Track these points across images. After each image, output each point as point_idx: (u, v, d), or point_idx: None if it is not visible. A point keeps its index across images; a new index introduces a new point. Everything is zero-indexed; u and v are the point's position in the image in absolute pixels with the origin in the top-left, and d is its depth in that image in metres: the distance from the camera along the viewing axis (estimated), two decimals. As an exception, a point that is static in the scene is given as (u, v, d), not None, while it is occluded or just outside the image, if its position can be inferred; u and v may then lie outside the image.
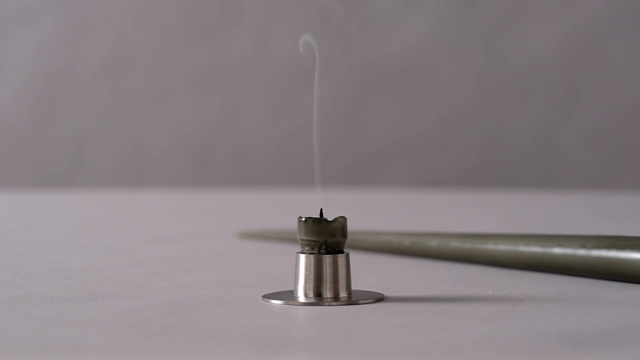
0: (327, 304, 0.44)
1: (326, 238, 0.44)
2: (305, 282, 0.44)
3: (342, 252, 0.45)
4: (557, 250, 0.51)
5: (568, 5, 1.92)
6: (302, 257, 0.45)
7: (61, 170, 2.05)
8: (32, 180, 2.04)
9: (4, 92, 2.07)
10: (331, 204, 1.43)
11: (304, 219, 0.45)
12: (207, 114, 2.02)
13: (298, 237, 0.45)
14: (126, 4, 2.04)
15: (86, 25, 2.06)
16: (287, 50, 2.00)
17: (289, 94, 2.00)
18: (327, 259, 0.44)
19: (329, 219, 0.45)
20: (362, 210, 1.23)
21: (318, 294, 0.44)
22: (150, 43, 2.04)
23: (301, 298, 0.44)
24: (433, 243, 0.60)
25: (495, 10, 1.94)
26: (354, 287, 0.47)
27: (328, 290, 0.44)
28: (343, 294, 0.45)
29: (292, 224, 0.94)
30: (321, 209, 0.46)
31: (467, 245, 0.57)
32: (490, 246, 0.55)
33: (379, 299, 0.45)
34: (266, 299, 0.45)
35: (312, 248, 0.44)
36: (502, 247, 0.55)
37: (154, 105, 2.04)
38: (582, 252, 0.50)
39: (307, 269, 0.44)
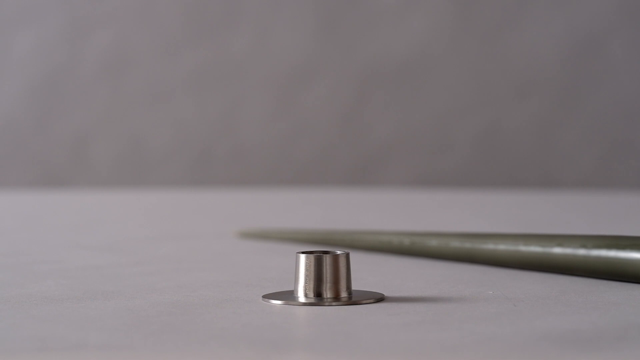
0: (327, 304, 0.44)
1: None
2: (306, 282, 0.44)
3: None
4: (557, 250, 0.51)
5: (568, 5, 1.92)
6: (302, 257, 0.45)
7: (61, 169, 2.05)
8: (31, 179, 2.04)
9: (4, 92, 2.07)
10: (331, 204, 1.43)
11: None
12: (207, 113, 2.02)
13: None
14: (126, 4, 2.04)
15: (86, 25, 2.06)
16: (287, 49, 2.01)
17: (289, 94, 2.00)
18: (327, 259, 0.44)
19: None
20: (362, 210, 1.23)
21: (318, 294, 0.44)
22: (150, 43, 2.04)
23: (301, 298, 0.44)
24: (433, 243, 0.60)
25: (495, 10, 1.94)
26: (354, 287, 0.47)
27: (328, 290, 0.44)
28: (343, 294, 0.45)
29: (292, 224, 0.94)
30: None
31: (467, 245, 0.57)
32: (490, 246, 0.55)
33: (379, 299, 0.45)
34: (266, 299, 0.45)
35: None
36: (502, 247, 0.55)
37: (153, 105, 2.04)
38: (582, 252, 0.50)
39: (307, 269, 0.44)
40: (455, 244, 0.58)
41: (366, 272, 0.55)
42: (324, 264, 0.44)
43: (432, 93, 1.96)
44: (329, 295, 0.44)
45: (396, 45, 1.97)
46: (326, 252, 0.45)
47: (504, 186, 1.88)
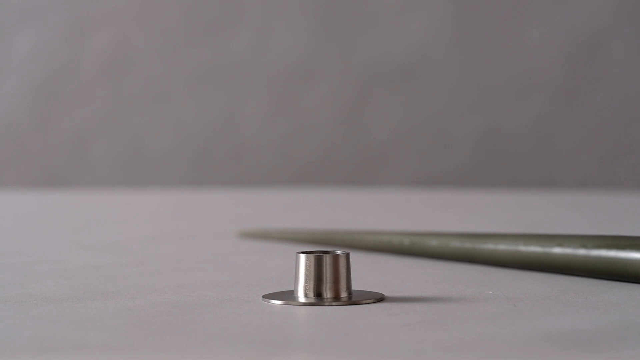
0: (327, 304, 0.44)
1: None
2: (306, 282, 0.44)
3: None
4: (557, 250, 0.51)
5: (568, 5, 1.92)
6: (302, 257, 0.45)
7: (61, 169, 2.05)
8: (31, 179, 2.04)
9: (4, 92, 2.07)
10: (331, 204, 1.43)
11: None
12: (207, 113, 2.02)
13: None
14: (126, 4, 2.04)
15: (86, 25, 2.06)
16: (287, 49, 2.01)
17: (289, 94, 2.00)
18: (327, 259, 0.44)
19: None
20: (362, 210, 1.23)
21: (318, 294, 0.44)
22: (150, 43, 2.04)
23: (301, 298, 0.44)
24: (433, 243, 0.60)
25: (495, 10, 1.94)
26: (354, 287, 0.47)
27: (328, 290, 0.44)
28: (343, 294, 0.45)
29: (292, 224, 0.94)
30: None
31: (467, 245, 0.57)
32: (490, 246, 0.55)
33: (379, 299, 0.45)
34: (266, 299, 0.45)
35: None
36: (502, 247, 0.55)
37: (153, 105, 2.04)
38: (582, 252, 0.50)
39: (307, 269, 0.44)
40: (455, 244, 0.58)
41: (366, 272, 0.55)
42: (324, 264, 0.44)
43: (432, 93, 1.96)
44: (329, 295, 0.44)
45: (396, 45, 1.97)
46: (326, 252, 0.45)
47: (504, 186, 1.88)
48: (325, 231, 0.70)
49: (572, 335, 0.36)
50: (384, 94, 1.97)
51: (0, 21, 2.07)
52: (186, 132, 2.03)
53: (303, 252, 0.45)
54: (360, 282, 0.51)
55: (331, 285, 0.44)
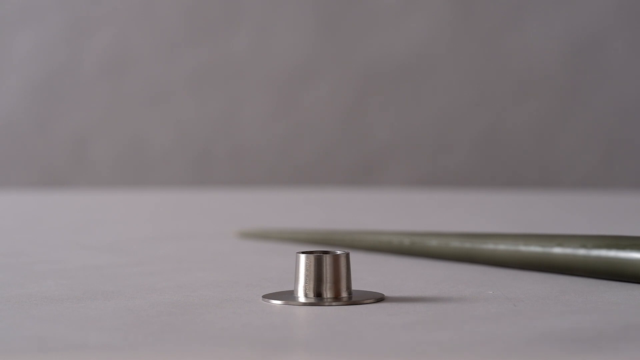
0: (327, 304, 0.44)
1: None
2: (306, 282, 0.44)
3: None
4: (557, 250, 0.51)
5: (568, 5, 1.92)
6: (302, 257, 0.45)
7: (61, 169, 2.05)
8: (31, 179, 2.04)
9: (4, 92, 2.07)
10: (331, 204, 1.43)
11: None
12: (207, 113, 2.02)
13: None
14: (126, 4, 2.04)
15: (86, 25, 2.06)
16: (287, 49, 2.01)
17: (289, 94, 2.00)
18: (327, 259, 0.44)
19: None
20: (362, 210, 1.23)
21: (318, 294, 0.44)
22: (150, 43, 2.04)
23: (301, 298, 0.44)
24: (433, 243, 0.60)
25: (495, 10, 1.94)
26: (354, 287, 0.47)
27: (328, 290, 0.44)
28: (343, 294, 0.45)
29: (292, 224, 0.94)
30: None
31: (467, 245, 0.57)
32: (490, 246, 0.55)
33: (379, 299, 0.45)
34: (266, 299, 0.45)
35: None
36: (502, 247, 0.55)
37: (153, 105, 2.04)
38: (582, 252, 0.50)
39: (307, 269, 0.44)
40: (455, 244, 0.58)
41: (366, 272, 0.55)
42: (324, 264, 0.44)
43: (433, 93, 1.96)
44: (329, 295, 0.44)
45: (396, 46, 1.97)
46: (326, 252, 0.45)
47: (504, 186, 1.88)
48: (325, 231, 0.70)
49: (572, 335, 0.36)
50: (384, 94, 1.97)
51: (0, 21, 2.07)
52: (186, 132, 2.03)
53: (303, 252, 0.45)
54: (360, 282, 0.51)
55: (331, 285, 0.44)
